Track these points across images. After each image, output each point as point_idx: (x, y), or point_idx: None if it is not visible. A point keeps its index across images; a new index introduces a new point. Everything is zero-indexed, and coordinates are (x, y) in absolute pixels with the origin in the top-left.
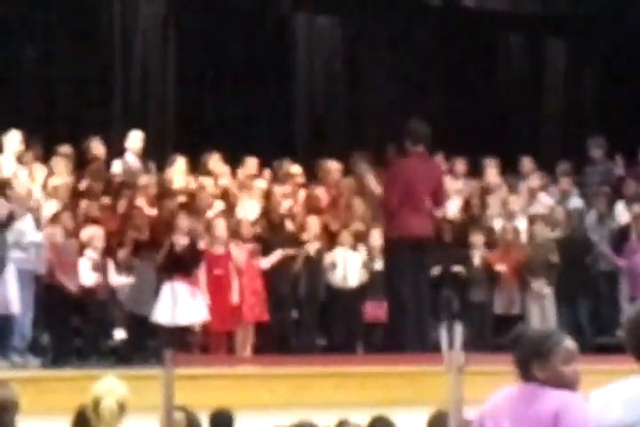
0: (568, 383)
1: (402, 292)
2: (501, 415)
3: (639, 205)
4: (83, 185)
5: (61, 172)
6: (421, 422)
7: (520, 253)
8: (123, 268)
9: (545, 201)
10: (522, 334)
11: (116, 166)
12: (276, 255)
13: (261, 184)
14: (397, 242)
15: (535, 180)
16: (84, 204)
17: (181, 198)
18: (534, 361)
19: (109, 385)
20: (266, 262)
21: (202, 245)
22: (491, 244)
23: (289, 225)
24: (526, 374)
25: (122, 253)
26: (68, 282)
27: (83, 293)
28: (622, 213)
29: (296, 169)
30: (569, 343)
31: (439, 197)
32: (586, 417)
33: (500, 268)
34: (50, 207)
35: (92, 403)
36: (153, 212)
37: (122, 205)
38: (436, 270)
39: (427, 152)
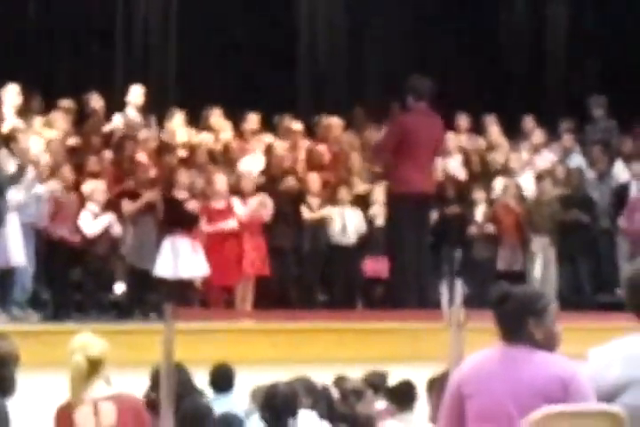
0: (555, 344)
1: (403, 248)
2: (488, 378)
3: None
4: (78, 139)
5: (59, 125)
6: (420, 379)
7: (522, 210)
8: (124, 221)
9: (548, 157)
10: (506, 293)
11: (117, 120)
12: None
13: (263, 139)
14: (399, 198)
15: (538, 136)
16: (83, 157)
17: (181, 153)
18: (529, 319)
19: (82, 341)
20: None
21: (203, 200)
22: (492, 201)
23: (290, 181)
24: (518, 333)
25: (126, 207)
26: (69, 235)
27: (83, 246)
28: (621, 172)
29: (297, 125)
30: (554, 304)
31: (439, 153)
32: (590, 388)
33: (490, 229)
34: (48, 160)
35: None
36: (153, 168)
37: (124, 159)
38: (437, 227)
39: (429, 108)
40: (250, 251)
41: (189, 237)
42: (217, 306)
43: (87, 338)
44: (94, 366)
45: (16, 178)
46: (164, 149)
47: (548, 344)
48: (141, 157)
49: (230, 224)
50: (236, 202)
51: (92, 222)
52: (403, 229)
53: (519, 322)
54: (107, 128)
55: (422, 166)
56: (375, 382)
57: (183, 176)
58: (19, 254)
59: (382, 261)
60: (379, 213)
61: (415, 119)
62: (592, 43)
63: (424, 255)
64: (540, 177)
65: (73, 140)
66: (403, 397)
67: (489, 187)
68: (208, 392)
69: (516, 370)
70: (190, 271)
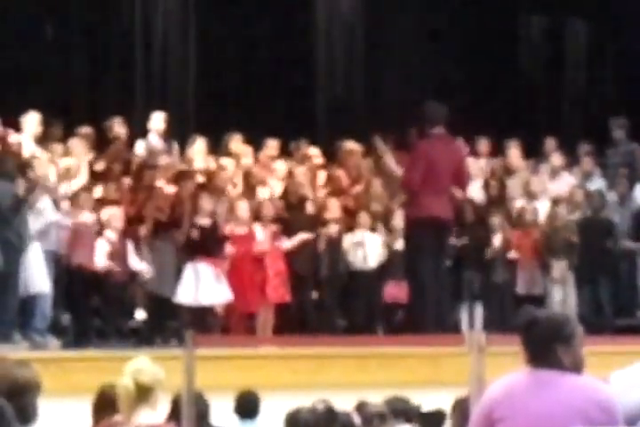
0: (582, 367)
1: (421, 273)
2: (521, 401)
3: None
4: (100, 166)
5: (78, 153)
6: (441, 403)
7: (539, 235)
8: (143, 248)
9: (568, 180)
10: (534, 318)
11: (139, 147)
12: (299, 238)
13: (282, 166)
14: (418, 223)
15: (557, 159)
16: (103, 184)
17: (201, 179)
18: (558, 345)
19: (136, 366)
20: (288, 244)
21: (224, 226)
22: (512, 225)
23: (309, 206)
24: (546, 358)
25: (142, 233)
26: (88, 262)
27: (103, 273)
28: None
29: (313, 151)
30: (580, 328)
31: (462, 179)
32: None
33: (514, 254)
34: (67, 188)
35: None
36: (171, 190)
37: (143, 187)
38: (457, 252)
39: (448, 134)
40: (273, 277)
41: (212, 264)
42: (238, 332)
43: (142, 363)
44: (143, 393)
45: (22, 201)
46: (183, 175)
47: (576, 368)
48: (161, 183)
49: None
50: (257, 228)
51: (106, 258)
52: (421, 254)
53: (547, 348)
54: (129, 155)
55: (441, 192)
56: (397, 407)
57: (206, 202)
58: (43, 282)
59: (402, 286)
60: (398, 237)
61: (433, 145)
62: (611, 64)
63: (443, 280)
64: (555, 202)
65: (94, 167)
66: (434, 424)
67: (508, 211)
68: (233, 419)
69: (552, 392)
70: (212, 298)
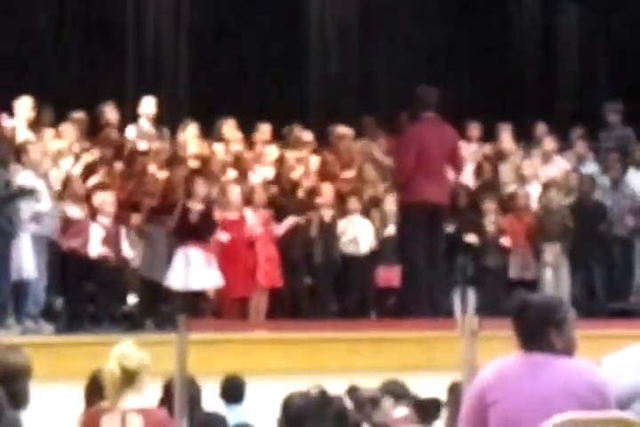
0: (574, 350)
1: (415, 258)
2: (514, 384)
3: None
4: (92, 151)
5: (69, 137)
6: (434, 388)
7: (532, 219)
8: (136, 234)
9: (560, 164)
10: (526, 302)
11: (130, 132)
12: (289, 222)
13: (274, 150)
14: (412, 208)
15: (550, 143)
16: (95, 170)
17: (193, 164)
18: (551, 329)
19: (120, 351)
20: (279, 229)
21: (216, 211)
22: (504, 210)
23: (301, 191)
24: (538, 342)
25: (135, 219)
26: (81, 247)
27: (96, 258)
28: (634, 179)
29: (307, 136)
30: (572, 312)
31: (457, 163)
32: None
33: (506, 240)
34: (59, 173)
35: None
36: (163, 175)
37: (135, 172)
38: (450, 236)
39: (438, 117)
40: (263, 262)
41: (202, 249)
42: (230, 317)
43: (126, 348)
44: (129, 377)
45: (30, 193)
46: (175, 160)
47: (568, 352)
48: (152, 168)
49: (223, 237)
50: (248, 213)
51: (100, 244)
52: (414, 238)
53: (540, 332)
54: (121, 140)
55: (435, 176)
56: (395, 391)
57: (199, 187)
58: (34, 267)
59: (395, 270)
60: (390, 222)
61: (424, 129)
62: (605, 49)
63: (436, 265)
64: (546, 185)
65: (85, 152)
66: (429, 412)
67: (500, 195)
68: (219, 403)
69: (546, 375)
70: (202, 283)
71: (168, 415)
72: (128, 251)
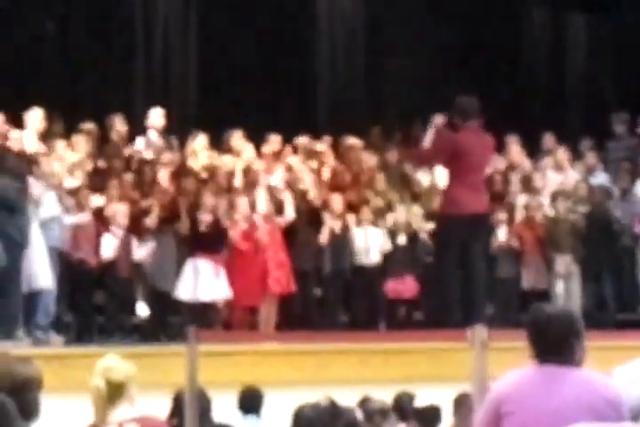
0: (583, 362)
1: (446, 271)
2: (531, 395)
3: None
4: (102, 163)
5: (81, 148)
6: (444, 399)
7: (544, 229)
8: (145, 244)
9: (571, 174)
10: (549, 314)
11: (139, 143)
12: (290, 215)
13: (285, 161)
14: (449, 219)
15: (563, 153)
16: (105, 181)
17: (203, 175)
18: (574, 341)
19: (104, 365)
20: (282, 221)
21: (226, 223)
22: (514, 220)
23: (312, 202)
24: (560, 353)
25: (146, 228)
26: (90, 258)
27: (105, 269)
28: None
29: (321, 147)
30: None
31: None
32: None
33: (516, 244)
34: (70, 184)
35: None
36: (172, 186)
37: (144, 183)
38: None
39: (480, 128)
40: (274, 268)
41: (212, 260)
42: (240, 327)
43: (111, 361)
44: (116, 390)
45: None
46: (185, 171)
47: (580, 363)
48: (162, 179)
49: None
50: (257, 218)
51: (112, 249)
52: (448, 249)
53: (563, 343)
54: (129, 152)
55: (474, 186)
56: (403, 403)
57: (208, 198)
58: (46, 277)
59: (405, 281)
60: (401, 232)
61: (467, 139)
62: (611, 59)
63: (477, 274)
64: (555, 195)
65: (95, 164)
66: (429, 420)
67: (511, 206)
68: (236, 415)
69: (561, 387)
70: (211, 295)
71: (165, 424)
72: (139, 253)
